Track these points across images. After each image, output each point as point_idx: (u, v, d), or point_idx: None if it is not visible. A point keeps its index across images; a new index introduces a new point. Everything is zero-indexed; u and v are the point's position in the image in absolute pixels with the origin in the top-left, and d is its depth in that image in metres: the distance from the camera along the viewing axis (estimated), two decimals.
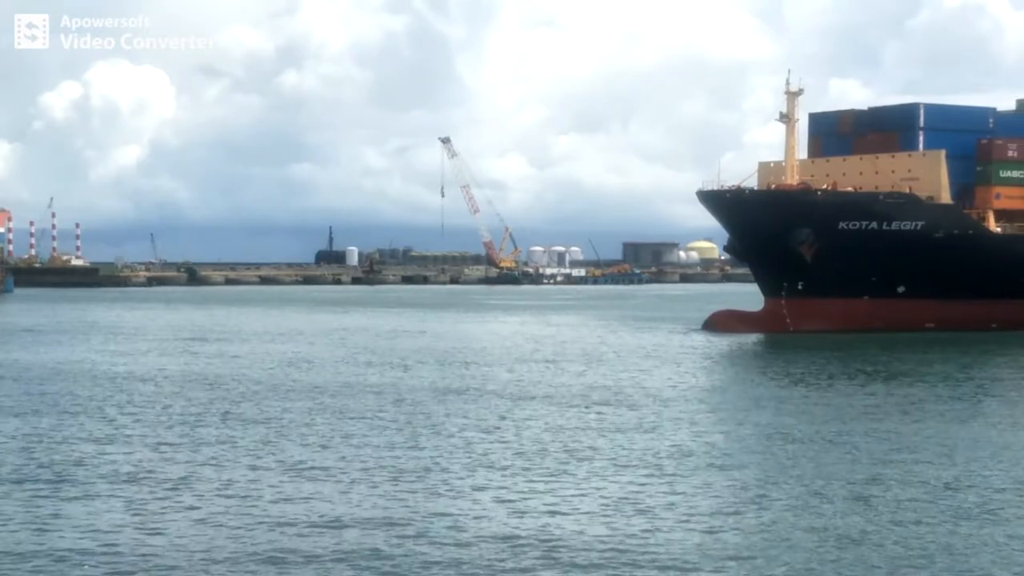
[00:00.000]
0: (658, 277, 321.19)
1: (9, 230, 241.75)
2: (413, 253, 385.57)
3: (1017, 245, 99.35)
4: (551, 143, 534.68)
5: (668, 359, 75.57)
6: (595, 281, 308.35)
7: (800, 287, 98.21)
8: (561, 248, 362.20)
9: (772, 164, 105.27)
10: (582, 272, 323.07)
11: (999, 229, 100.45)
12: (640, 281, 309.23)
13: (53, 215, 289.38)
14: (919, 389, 59.01)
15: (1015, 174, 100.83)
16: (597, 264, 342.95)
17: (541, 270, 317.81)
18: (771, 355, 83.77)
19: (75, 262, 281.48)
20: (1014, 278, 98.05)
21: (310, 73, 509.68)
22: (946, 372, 68.03)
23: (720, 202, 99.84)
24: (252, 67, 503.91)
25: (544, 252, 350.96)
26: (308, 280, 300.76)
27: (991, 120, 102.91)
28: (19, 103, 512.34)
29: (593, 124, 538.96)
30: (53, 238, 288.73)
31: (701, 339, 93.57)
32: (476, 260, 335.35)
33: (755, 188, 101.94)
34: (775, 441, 42.34)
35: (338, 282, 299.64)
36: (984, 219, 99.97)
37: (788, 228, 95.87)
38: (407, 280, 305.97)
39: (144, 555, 27.28)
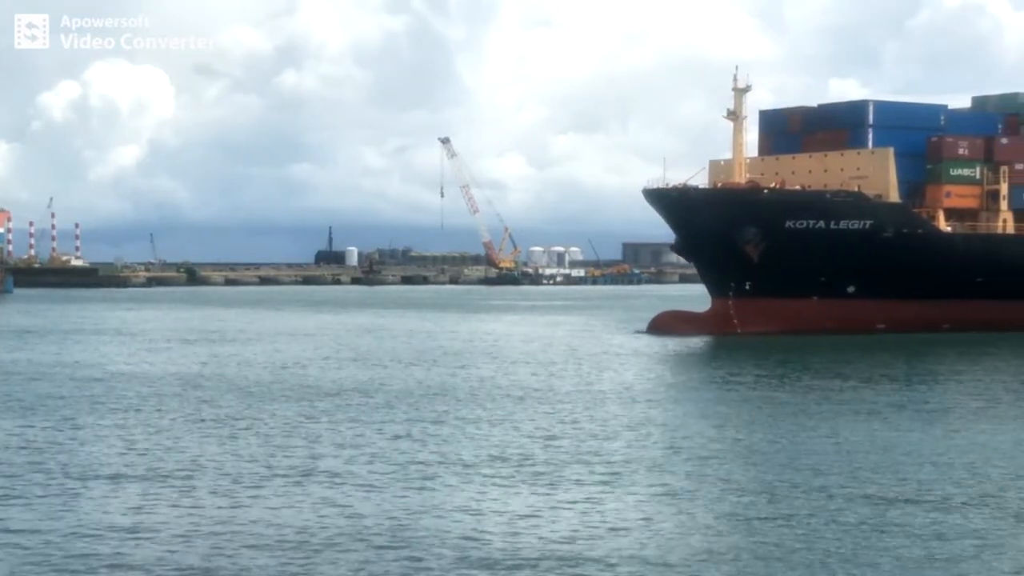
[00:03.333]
0: (657, 277, 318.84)
1: (9, 230, 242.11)
2: (413, 253, 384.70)
3: (968, 244, 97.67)
4: (550, 143, 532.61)
5: (597, 363, 73.47)
6: (594, 281, 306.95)
7: (748, 287, 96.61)
8: (561, 248, 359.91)
9: (723, 162, 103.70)
10: (581, 272, 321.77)
11: (949, 228, 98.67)
12: (640, 281, 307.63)
13: (52, 215, 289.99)
14: (865, 393, 57.21)
15: (966, 172, 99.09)
16: (597, 264, 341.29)
17: (541, 270, 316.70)
18: (711, 358, 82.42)
19: (75, 262, 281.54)
20: (965, 278, 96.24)
21: (309, 73, 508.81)
22: (894, 374, 66.39)
23: (666, 201, 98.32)
24: (251, 67, 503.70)
25: (544, 252, 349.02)
26: (308, 280, 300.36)
27: (942, 118, 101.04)
28: (17, 103, 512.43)
29: (592, 124, 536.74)
30: (53, 238, 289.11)
31: (643, 341, 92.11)
32: (476, 260, 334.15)
33: (701, 186, 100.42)
34: (687, 455, 39.86)
35: (337, 282, 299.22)
36: (934, 218, 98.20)
37: (734, 227, 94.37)
38: (407, 280, 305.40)
39: (137, 557, 27.26)
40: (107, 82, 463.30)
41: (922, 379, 65.07)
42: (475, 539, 28.55)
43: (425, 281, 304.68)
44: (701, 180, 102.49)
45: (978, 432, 44.82)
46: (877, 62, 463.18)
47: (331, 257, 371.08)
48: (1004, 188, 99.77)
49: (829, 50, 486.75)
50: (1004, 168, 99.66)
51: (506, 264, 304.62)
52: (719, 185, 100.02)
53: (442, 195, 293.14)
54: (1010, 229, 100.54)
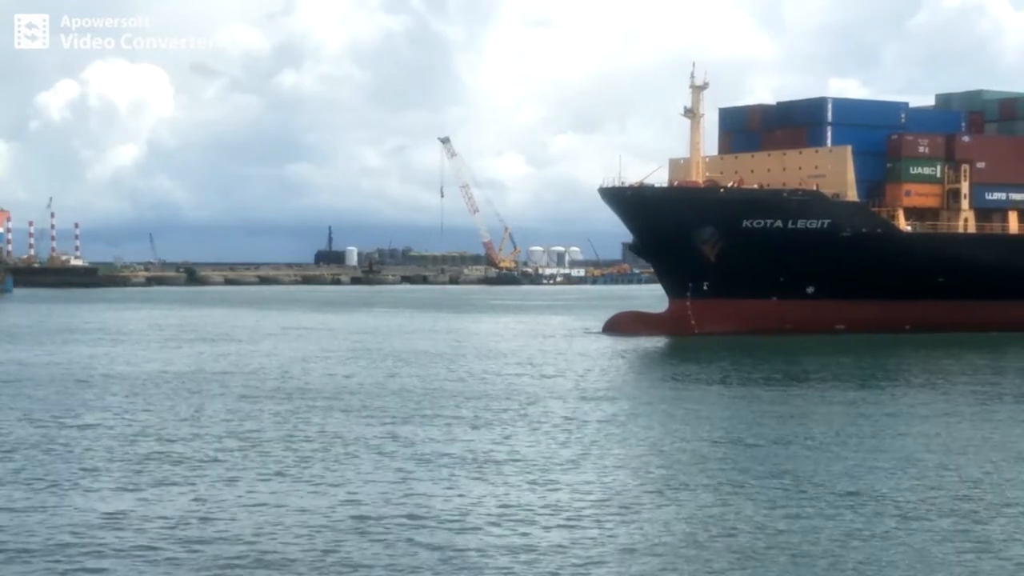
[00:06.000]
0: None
1: (8, 230, 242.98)
2: (412, 253, 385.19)
3: (927, 244, 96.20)
4: (549, 142, 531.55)
5: (545, 364, 72.32)
6: (594, 281, 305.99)
7: (706, 287, 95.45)
8: (560, 248, 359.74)
9: (682, 161, 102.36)
10: (581, 272, 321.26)
11: (909, 228, 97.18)
12: (639, 281, 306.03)
13: (52, 215, 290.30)
14: (822, 395, 56.17)
15: (926, 171, 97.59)
16: (597, 264, 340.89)
17: (540, 270, 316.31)
18: (667, 359, 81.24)
19: (74, 262, 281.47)
20: (926, 278, 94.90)
21: (308, 73, 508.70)
22: (852, 376, 65.16)
23: (621, 199, 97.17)
24: (250, 67, 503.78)
25: (543, 252, 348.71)
26: (307, 280, 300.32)
27: (903, 115, 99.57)
28: (16, 102, 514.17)
29: (591, 123, 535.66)
30: (52, 238, 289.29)
31: (598, 342, 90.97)
32: (476, 260, 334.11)
33: (657, 185, 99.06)
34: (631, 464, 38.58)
35: (337, 282, 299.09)
36: (893, 217, 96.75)
37: (691, 226, 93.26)
38: (406, 280, 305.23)
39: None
40: (105, 82, 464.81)
41: (878, 378, 64.47)
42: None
43: (425, 281, 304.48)
44: (660, 178, 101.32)
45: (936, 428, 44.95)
46: (876, 62, 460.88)
47: (331, 257, 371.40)
48: (965, 187, 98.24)
49: (828, 50, 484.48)
50: (965, 166, 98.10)
51: (506, 264, 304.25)
52: (676, 184, 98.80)
53: (442, 195, 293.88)
54: (971, 228, 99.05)
